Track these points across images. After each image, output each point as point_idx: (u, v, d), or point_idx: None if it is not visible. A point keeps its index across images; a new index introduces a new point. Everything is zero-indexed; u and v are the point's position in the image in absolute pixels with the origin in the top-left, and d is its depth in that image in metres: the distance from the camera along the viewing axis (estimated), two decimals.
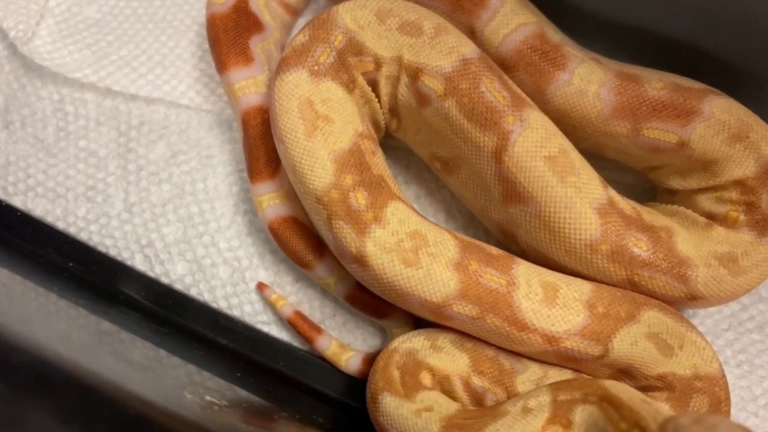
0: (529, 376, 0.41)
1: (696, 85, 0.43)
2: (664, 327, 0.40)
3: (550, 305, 0.40)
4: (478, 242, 0.42)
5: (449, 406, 0.39)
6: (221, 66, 0.47)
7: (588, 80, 0.42)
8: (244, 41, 0.47)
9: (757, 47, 0.45)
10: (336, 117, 0.41)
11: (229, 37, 0.47)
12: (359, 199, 0.40)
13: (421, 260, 0.40)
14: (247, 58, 0.47)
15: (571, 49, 0.44)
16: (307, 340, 0.46)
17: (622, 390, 0.36)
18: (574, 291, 0.40)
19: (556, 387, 0.37)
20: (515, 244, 0.45)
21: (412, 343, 0.43)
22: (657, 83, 0.42)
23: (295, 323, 0.46)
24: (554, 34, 0.44)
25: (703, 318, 0.48)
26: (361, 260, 0.40)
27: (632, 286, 0.41)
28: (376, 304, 0.46)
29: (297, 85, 0.41)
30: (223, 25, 0.47)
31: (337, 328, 0.48)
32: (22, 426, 0.24)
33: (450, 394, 0.42)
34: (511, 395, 0.41)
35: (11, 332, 0.31)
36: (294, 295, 0.48)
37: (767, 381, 0.48)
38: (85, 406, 0.27)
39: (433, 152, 0.45)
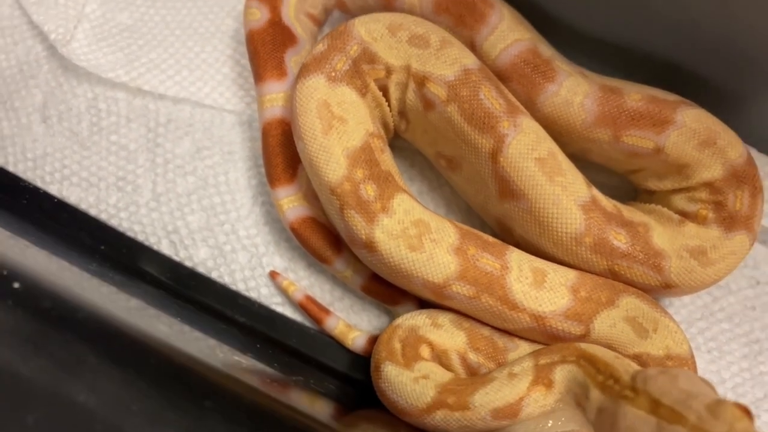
0: (519, 353, 0.46)
1: (671, 96, 0.48)
2: (641, 312, 0.45)
3: (538, 288, 0.45)
4: (475, 231, 0.47)
5: (444, 375, 0.44)
6: (258, 77, 0.52)
7: (574, 92, 0.47)
8: (279, 55, 0.52)
9: (727, 64, 0.50)
10: (349, 118, 0.46)
11: (266, 51, 0.52)
12: (369, 191, 0.45)
13: (425, 245, 0.45)
14: (281, 72, 0.52)
15: (560, 64, 0.49)
16: (317, 321, 0.51)
17: (597, 348, 0.40)
18: (561, 277, 0.45)
19: (537, 353, 0.42)
20: (510, 236, 0.50)
21: (414, 320, 0.47)
22: (635, 95, 0.47)
23: (305, 306, 0.51)
24: (546, 50, 0.49)
25: (678, 308, 0.53)
26: (370, 246, 0.45)
27: (613, 275, 0.46)
28: (388, 292, 0.50)
29: (316, 88, 0.46)
30: (261, 40, 0.51)
31: (345, 310, 0.52)
32: (85, 363, 0.29)
33: (447, 367, 0.46)
34: None
35: (72, 294, 0.36)
36: (306, 279, 0.53)
37: (735, 366, 0.53)
38: (135, 353, 0.32)
39: (439, 151, 0.50)
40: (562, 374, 0.41)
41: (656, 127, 0.47)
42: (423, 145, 0.52)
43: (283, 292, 0.52)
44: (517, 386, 0.41)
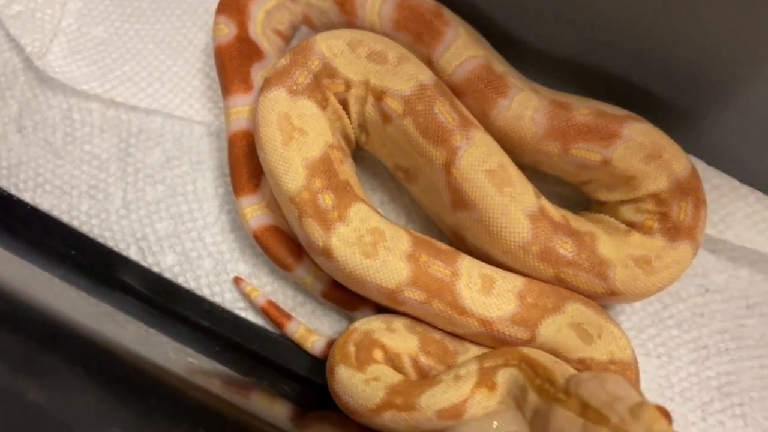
0: (469, 356, 0.48)
1: (619, 111, 0.50)
2: (586, 318, 0.47)
3: (486, 294, 0.47)
4: (429, 239, 0.49)
5: (395, 377, 0.46)
6: (225, 91, 0.54)
7: (525, 106, 0.50)
8: (246, 69, 0.54)
9: (679, 82, 0.52)
10: (309, 129, 0.48)
11: (233, 65, 0.54)
12: (326, 200, 0.47)
13: (379, 252, 0.46)
14: (247, 86, 0.53)
15: (513, 79, 0.51)
16: (278, 326, 0.53)
17: (538, 353, 0.42)
18: (509, 283, 0.47)
19: (482, 357, 0.44)
20: (464, 245, 0.51)
21: (370, 324, 0.49)
22: (584, 110, 0.49)
23: (267, 311, 0.53)
24: (500, 66, 0.51)
25: (629, 315, 0.55)
26: (327, 253, 0.47)
27: (560, 282, 0.48)
28: (347, 298, 0.52)
29: (277, 101, 0.48)
30: (228, 54, 0.53)
31: (306, 315, 0.54)
32: (41, 363, 0.31)
33: (400, 370, 0.48)
34: None
35: (29, 296, 0.38)
36: (269, 285, 0.55)
37: (683, 371, 0.54)
38: (87, 353, 0.34)
39: (397, 163, 0.52)
40: (504, 377, 0.42)
41: (603, 141, 0.49)
42: (383, 156, 0.54)
43: (246, 297, 0.53)
44: (462, 388, 0.43)
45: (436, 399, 0.43)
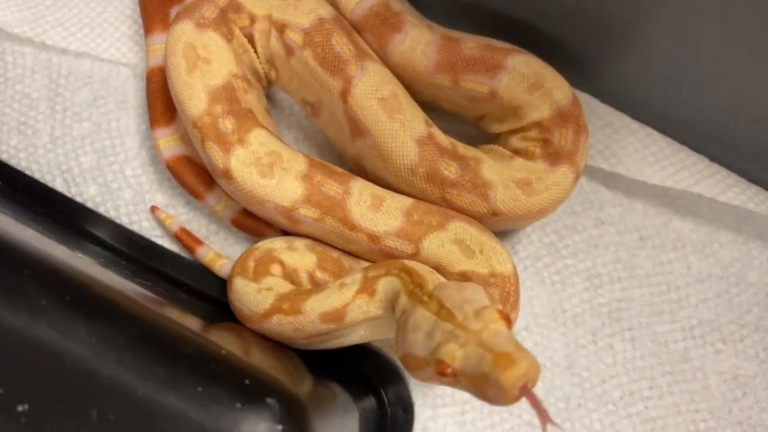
0: None
1: (504, 45, 0.53)
2: (468, 235, 0.50)
3: (375, 211, 0.50)
4: (326, 163, 0.52)
5: (286, 287, 0.49)
6: (146, 30, 0.58)
7: (417, 41, 0.53)
8: (166, 10, 0.58)
9: (579, 27, 0.55)
10: (213, 59, 0.52)
11: (154, 6, 0.58)
12: (227, 124, 0.50)
13: (275, 173, 0.50)
14: (165, 25, 0.58)
15: (409, 17, 0.54)
16: (190, 251, 0.56)
17: (417, 264, 0.45)
18: (397, 202, 0.50)
19: (367, 268, 0.47)
20: (365, 174, 0.55)
21: (272, 243, 0.52)
22: (471, 43, 0.53)
23: (179, 236, 0.56)
24: (397, 4, 0.55)
25: (525, 245, 0.58)
26: (227, 174, 0.50)
27: (446, 202, 0.51)
28: (255, 225, 0.55)
29: (184, 32, 0.52)
30: None
31: (219, 242, 0.57)
32: None
33: (296, 284, 0.51)
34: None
35: None
36: (185, 215, 0.58)
37: (576, 298, 0.57)
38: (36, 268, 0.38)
39: (304, 98, 0.56)
40: (383, 285, 0.45)
41: (489, 72, 0.52)
42: (291, 92, 0.57)
43: (161, 224, 0.57)
44: (344, 294, 0.46)
45: (320, 303, 0.46)
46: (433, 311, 0.39)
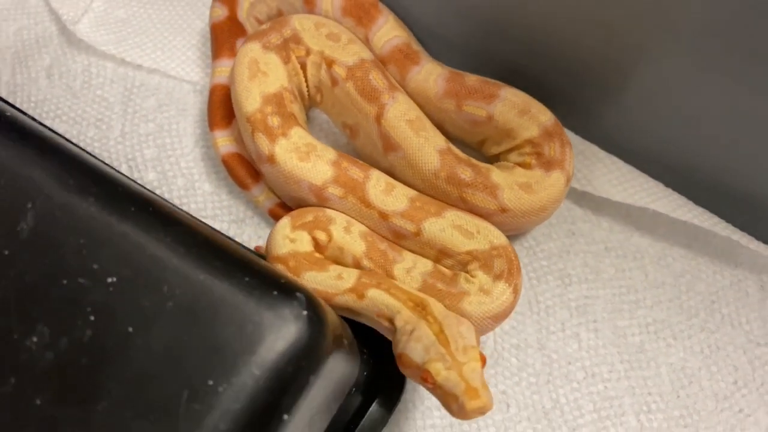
0: (404, 264, 0.60)
1: (498, 81, 0.67)
2: (464, 220, 0.61)
3: (386, 195, 0.61)
4: (353, 158, 0.64)
5: (307, 247, 0.59)
6: (215, 55, 0.71)
7: (430, 72, 0.67)
8: (233, 41, 0.71)
9: (568, 75, 0.69)
10: (271, 74, 0.65)
11: (223, 37, 0.71)
12: (274, 121, 0.63)
13: (311, 158, 0.62)
14: (232, 53, 0.71)
15: (424, 55, 0.68)
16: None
17: (433, 301, 0.54)
18: (405, 191, 0.62)
19: (363, 272, 0.57)
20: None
21: (337, 216, 0.61)
22: (472, 77, 0.66)
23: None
24: (416, 45, 0.69)
25: None
26: (271, 159, 0.62)
27: (463, 201, 0.62)
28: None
29: (251, 50, 0.65)
30: (221, 29, 0.71)
31: (253, 226, 0.69)
32: None
33: (339, 262, 0.60)
34: (390, 276, 0.59)
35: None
36: (227, 201, 0.69)
37: (549, 293, 0.68)
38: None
39: (344, 121, 0.68)
40: (373, 294, 0.55)
41: (486, 99, 0.65)
42: (333, 116, 0.70)
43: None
44: (338, 286, 0.56)
45: (316, 281, 0.56)
46: (434, 332, 0.50)
